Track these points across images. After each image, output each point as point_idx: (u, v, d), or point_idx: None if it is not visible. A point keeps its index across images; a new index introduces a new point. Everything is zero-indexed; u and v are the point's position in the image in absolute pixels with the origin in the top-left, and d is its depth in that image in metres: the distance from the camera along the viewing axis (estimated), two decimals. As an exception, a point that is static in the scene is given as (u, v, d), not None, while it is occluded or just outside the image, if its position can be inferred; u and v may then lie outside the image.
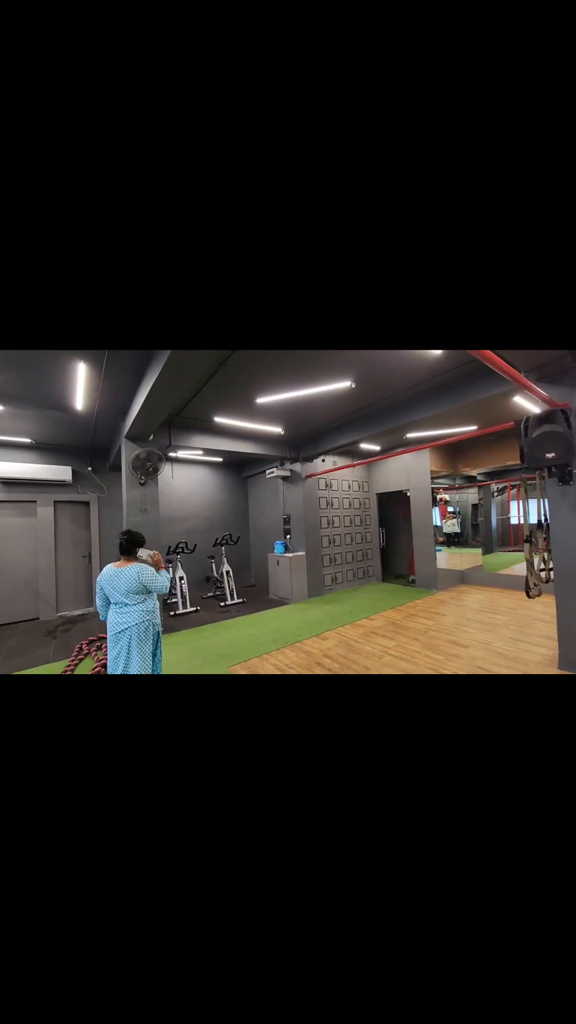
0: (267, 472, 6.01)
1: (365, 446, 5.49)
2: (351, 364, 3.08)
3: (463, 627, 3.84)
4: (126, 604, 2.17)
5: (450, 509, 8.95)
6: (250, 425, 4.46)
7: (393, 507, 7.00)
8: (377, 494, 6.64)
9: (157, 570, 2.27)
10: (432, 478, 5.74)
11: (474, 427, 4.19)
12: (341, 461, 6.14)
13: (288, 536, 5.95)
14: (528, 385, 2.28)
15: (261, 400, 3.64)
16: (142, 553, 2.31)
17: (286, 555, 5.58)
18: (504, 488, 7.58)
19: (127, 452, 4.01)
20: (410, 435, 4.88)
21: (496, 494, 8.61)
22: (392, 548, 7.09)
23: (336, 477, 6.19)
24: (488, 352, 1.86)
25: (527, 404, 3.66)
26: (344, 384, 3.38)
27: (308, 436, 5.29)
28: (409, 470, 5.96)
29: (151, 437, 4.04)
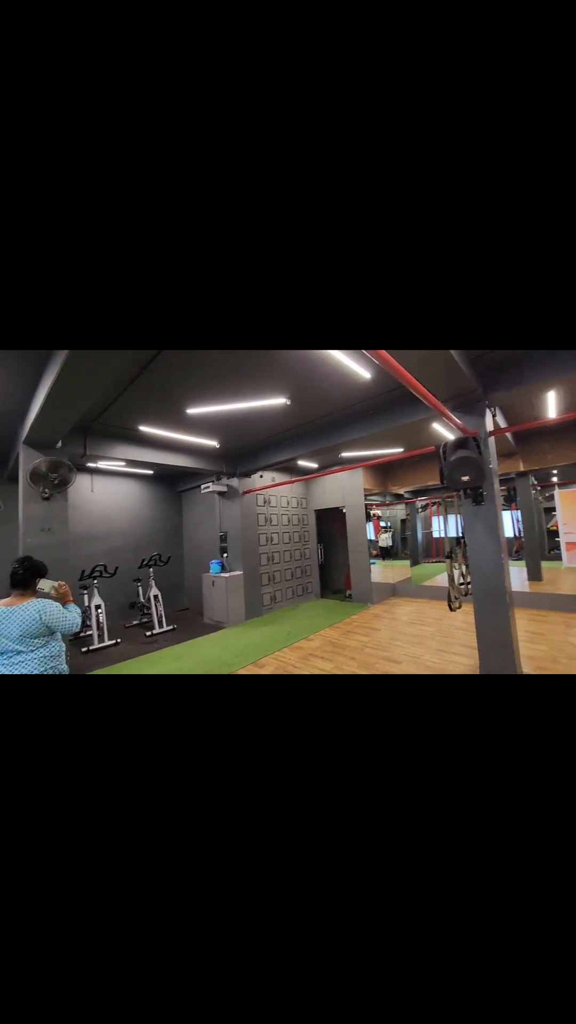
0: (202, 487, 5.67)
1: (303, 463, 5.53)
2: (287, 380, 3.04)
3: (396, 642, 3.94)
4: (20, 652, 1.65)
5: (383, 524, 9.60)
6: (181, 436, 4.15)
7: (330, 523, 7.15)
8: (315, 510, 6.72)
9: (64, 604, 1.80)
10: (365, 495, 6.00)
11: (401, 449, 4.48)
12: (280, 477, 6.09)
13: (225, 554, 5.63)
14: (446, 413, 2.44)
15: (192, 411, 3.39)
16: (43, 585, 1.80)
17: (222, 575, 5.24)
18: (427, 505, 8.33)
19: (25, 461, 3.37)
20: (345, 454, 5.04)
21: (421, 510, 9.47)
22: (330, 564, 7.20)
23: (275, 493, 6.12)
24: (412, 380, 1.92)
25: (444, 431, 4.02)
26: (279, 400, 3.32)
27: (246, 451, 5.14)
28: (344, 488, 6.16)
29: (59, 444, 3.47)
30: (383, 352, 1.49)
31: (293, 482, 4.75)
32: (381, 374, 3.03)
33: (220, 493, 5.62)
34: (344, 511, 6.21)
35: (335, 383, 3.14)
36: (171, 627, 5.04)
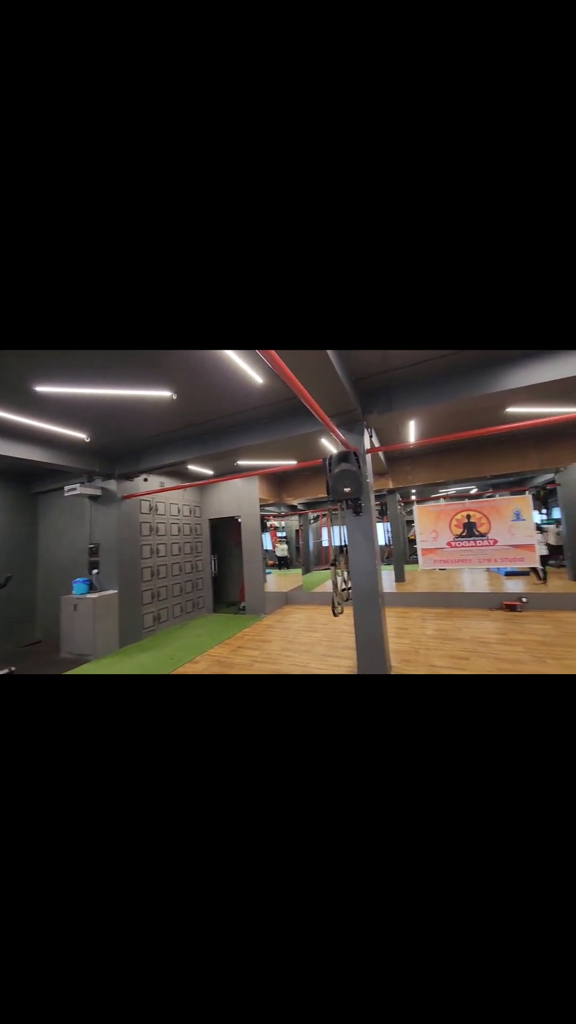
0: (66, 488, 4.64)
1: (196, 468, 5.15)
2: (173, 372, 2.71)
3: (286, 652, 3.92)
4: None
5: (280, 535, 9.89)
6: (31, 422, 3.27)
7: (226, 533, 6.88)
8: (210, 520, 6.35)
9: None
10: (261, 505, 5.99)
11: (294, 461, 4.63)
12: (170, 482, 5.53)
13: (95, 571, 4.70)
14: (331, 426, 2.56)
15: (44, 389, 2.69)
16: None
17: (89, 596, 4.33)
18: (318, 516, 8.95)
19: None
20: (241, 462, 4.91)
21: (313, 521, 10.15)
22: (224, 575, 6.89)
23: (164, 499, 5.51)
24: (303, 389, 1.91)
25: (330, 446, 4.32)
26: (163, 393, 2.95)
27: (126, 450, 4.46)
28: (240, 497, 6.02)
29: None
30: (273, 353, 1.41)
31: (185, 487, 4.33)
32: (274, 381, 3.02)
33: (92, 497, 4.71)
34: (240, 520, 6.05)
35: (228, 384, 2.98)
36: (7, 669, 3.84)
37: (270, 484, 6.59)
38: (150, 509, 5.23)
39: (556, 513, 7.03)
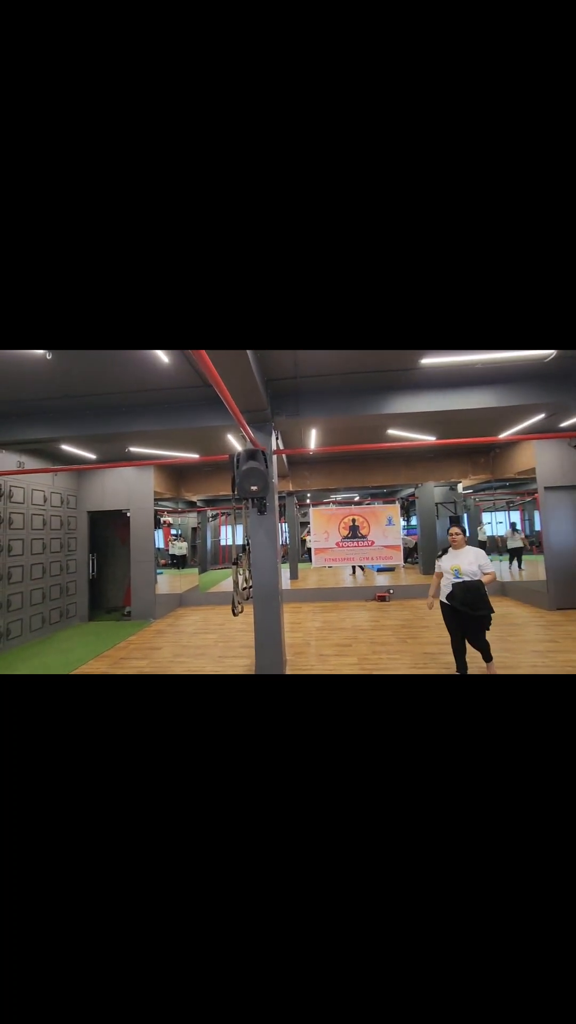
0: None
1: (72, 449, 4.28)
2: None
3: (179, 658, 3.63)
4: None
5: (174, 532, 9.16)
6: None
7: (110, 528, 5.96)
8: (89, 512, 5.37)
9: None
10: (156, 499, 5.42)
11: (196, 455, 4.35)
12: (33, 463, 4.43)
13: None
14: (242, 422, 2.49)
15: None
16: None
17: None
18: (217, 515, 8.69)
19: None
20: (134, 448, 4.32)
21: (211, 519, 9.80)
22: (106, 577, 5.95)
23: (23, 484, 4.37)
24: (224, 388, 1.79)
25: (236, 444, 4.24)
26: (35, 351, 2.33)
27: (-33, 414, 3.36)
28: (131, 487, 5.31)
29: None
30: (203, 353, 1.26)
31: (55, 471, 3.51)
32: (183, 363, 2.76)
33: None
34: (128, 514, 5.33)
35: (126, 357, 2.57)
36: None
37: (168, 477, 6.04)
38: (0, 495, 4.08)
39: (414, 520, 8.70)
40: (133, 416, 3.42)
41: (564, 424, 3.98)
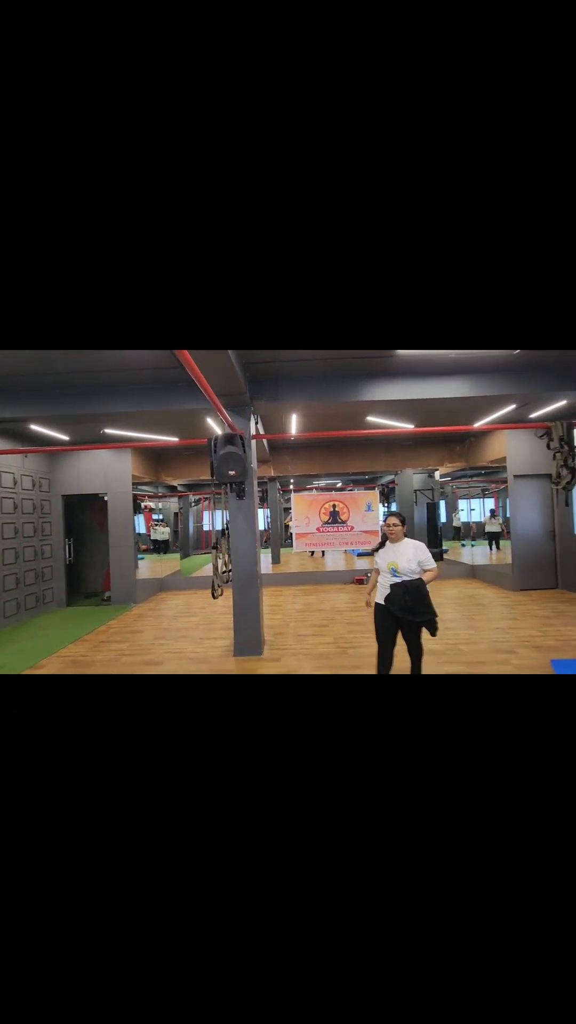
0: None
1: (41, 430, 4.11)
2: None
3: (160, 640, 3.68)
4: None
5: (156, 517, 9.02)
6: None
7: (87, 513, 5.82)
8: (64, 496, 5.22)
9: None
10: (135, 484, 5.32)
11: (175, 438, 4.27)
12: (2, 444, 4.24)
13: None
14: (218, 405, 2.48)
15: None
16: None
17: None
18: (200, 500, 8.61)
19: None
20: (109, 430, 4.20)
21: (193, 504, 9.70)
22: (84, 562, 5.86)
23: (-9, 466, 4.19)
24: (199, 372, 1.76)
25: (216, 426, 4.20)
26: None
27: None
28: (108, 471, 5.18)
29: None
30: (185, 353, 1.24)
31: (25, 452, 3.38)
32: (155, 345, 2.68)
33: None
34: (106, 499, 5.22)
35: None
36: None
37: (146, 460, 5.91)
38: (-32, 477, 3.90)
39: (394, 506, 8.93)
40: (109, 397, 3.31)
41: (533, 415, 4.15)
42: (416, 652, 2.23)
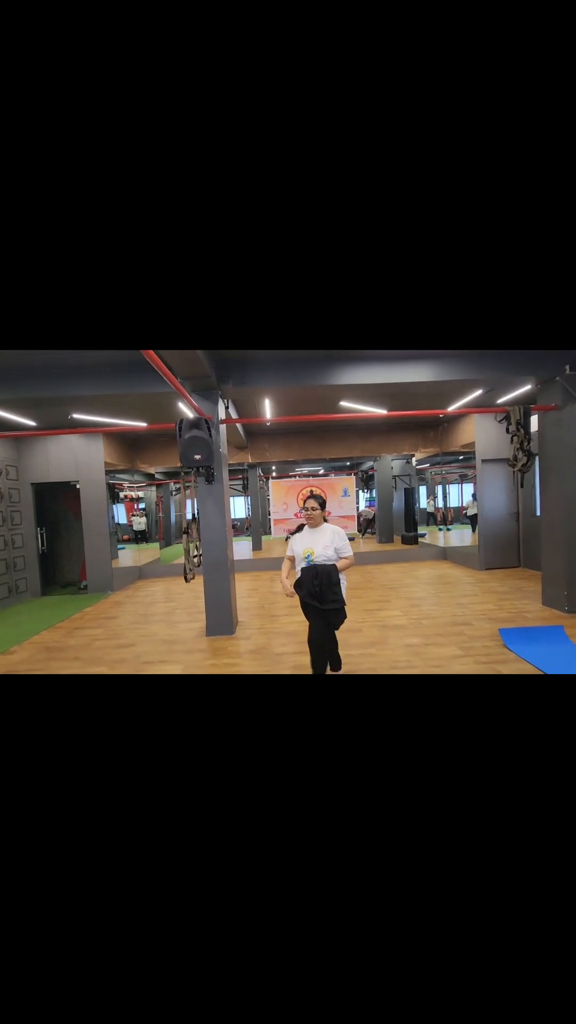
0: None
1: (4, 414, 3.97)
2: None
3: (135, 625, 3.72)
4: None
5: (139, 506, 8.89)
6: None
7: (59, 502, 5.71)
8: (33, 484, 5.10)
9: None
10: (109, 471, 5.23)
11: (143, 423, 4.21)
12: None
13: None
14: (181, 390, 2.46)
15: None
16: None
17: None
18: (180, 488, 8.52)
19: None
20: (78, 415, 4.09)
21: (174, 493, 9.60)
22: (58, 552, 5.78)
23: (-48, 453, 4.04)
24: (152, 353, 1.74)
25: (188, 411, 4.15)
26: None
27: None
28: (79, 458, 5.07)
29: None
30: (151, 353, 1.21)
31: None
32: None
33: None
34: (78, 487, 5.12)
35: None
36: None
37: (120, 446, 5.80)
38: None
39: (374, 493, 9.11)
40: (74, 379, 3.22)
41: (500, 400, 4.27)
42: (332, 651, 2.02)
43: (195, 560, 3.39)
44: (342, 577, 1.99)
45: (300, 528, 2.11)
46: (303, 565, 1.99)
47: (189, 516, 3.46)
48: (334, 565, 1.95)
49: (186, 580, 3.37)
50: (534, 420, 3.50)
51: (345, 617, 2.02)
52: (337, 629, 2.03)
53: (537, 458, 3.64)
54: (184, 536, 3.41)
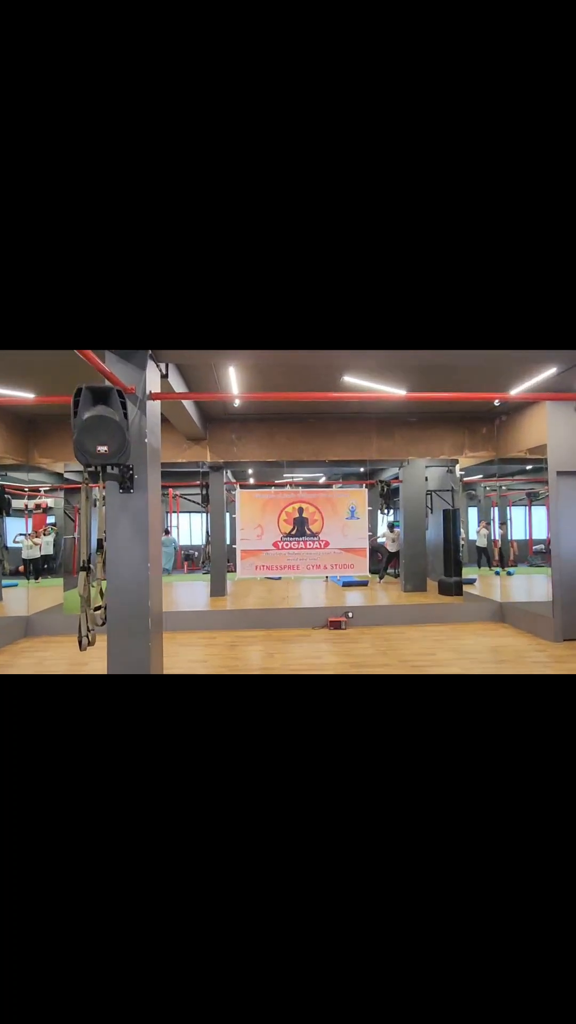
0: None
1: None
2: None
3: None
4: None
5: (49, 520, 8.55)
6: None
7: None
8: None
9: None
10: (-15, 465, 4.96)
11: (31, 395, 3.97)
12: None
13: None
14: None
15: None
16: None
17: None
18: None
19: None
20: None
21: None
22: None
23: None
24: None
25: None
26: None
27: None
28: None
29: None
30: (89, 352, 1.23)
31: None
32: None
33: None
34: None
35: None
36: None
37: (8, 431, 5.55)
38: None
39: (398, 514, 8.92)
40: None
41: (584, 383, 4.17)
42: None
43: (98, 615, 3.08)
44: None
45: None
46: None
47: (94, 544, 3.17)
48: None
49: (80, 647, 3.04)
50: None
51: None
52: None
53: None
54: (83, 573, 3.09)
